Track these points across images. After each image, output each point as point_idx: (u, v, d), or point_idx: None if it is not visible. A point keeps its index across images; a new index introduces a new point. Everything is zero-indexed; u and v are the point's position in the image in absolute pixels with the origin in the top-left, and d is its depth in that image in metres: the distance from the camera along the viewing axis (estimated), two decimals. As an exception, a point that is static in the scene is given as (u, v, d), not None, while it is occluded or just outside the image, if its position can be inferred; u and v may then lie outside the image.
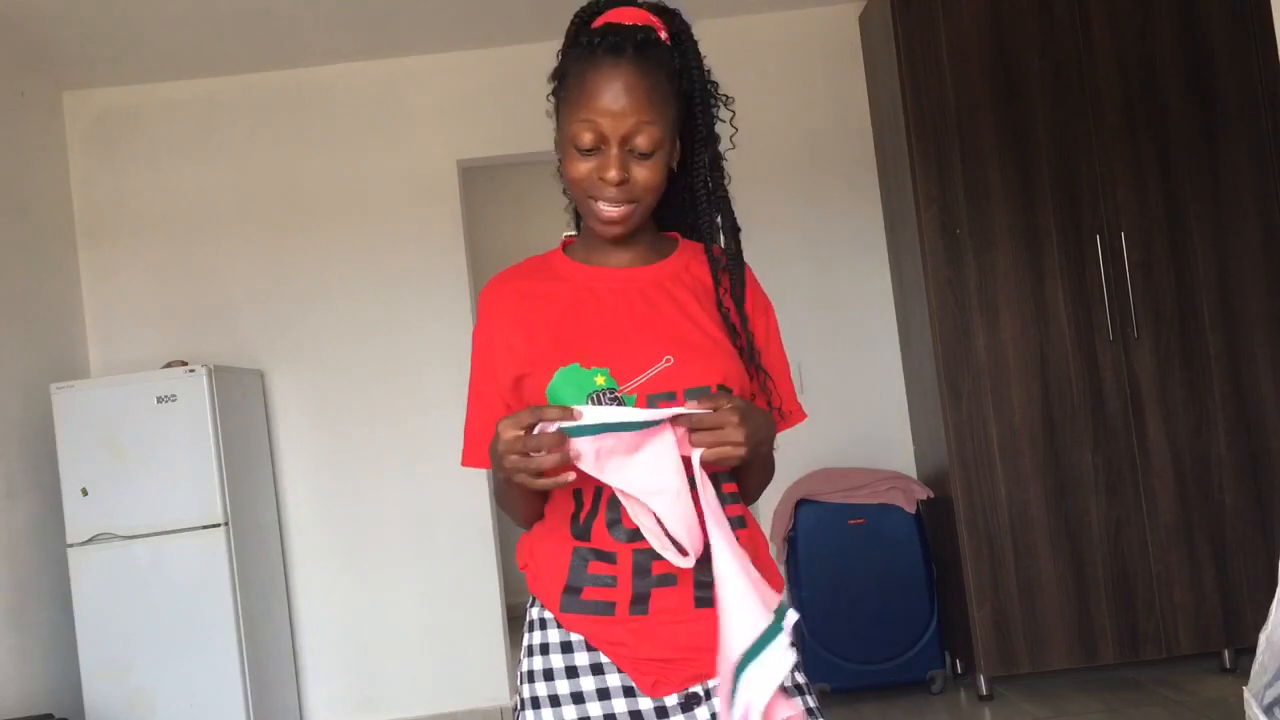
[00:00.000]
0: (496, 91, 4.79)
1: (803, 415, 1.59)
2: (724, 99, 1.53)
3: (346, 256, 4.85)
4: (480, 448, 1.52)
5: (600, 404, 1.40)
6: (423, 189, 4.89)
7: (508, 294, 1.54)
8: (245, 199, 4.87)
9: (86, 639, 4.08)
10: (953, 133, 4.15)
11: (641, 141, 1.42)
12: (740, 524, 1.47)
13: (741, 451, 1.34)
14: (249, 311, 4.84)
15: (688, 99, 1.48)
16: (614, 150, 1.42)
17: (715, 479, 1.42)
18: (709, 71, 1.50)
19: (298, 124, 4.89)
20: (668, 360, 1.43)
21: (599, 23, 1.46)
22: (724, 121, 1.52)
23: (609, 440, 1.32)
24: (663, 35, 1.46)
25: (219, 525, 4.12)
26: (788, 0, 4.80)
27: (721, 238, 1.53)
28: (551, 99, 1.51)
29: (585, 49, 1.44)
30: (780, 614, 1.34)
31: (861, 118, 4.84)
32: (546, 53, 1.55)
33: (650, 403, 1.42)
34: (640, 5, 1.48)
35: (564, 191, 1.55)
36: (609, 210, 1.45)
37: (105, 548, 4.08)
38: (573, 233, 1.61)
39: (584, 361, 1.42)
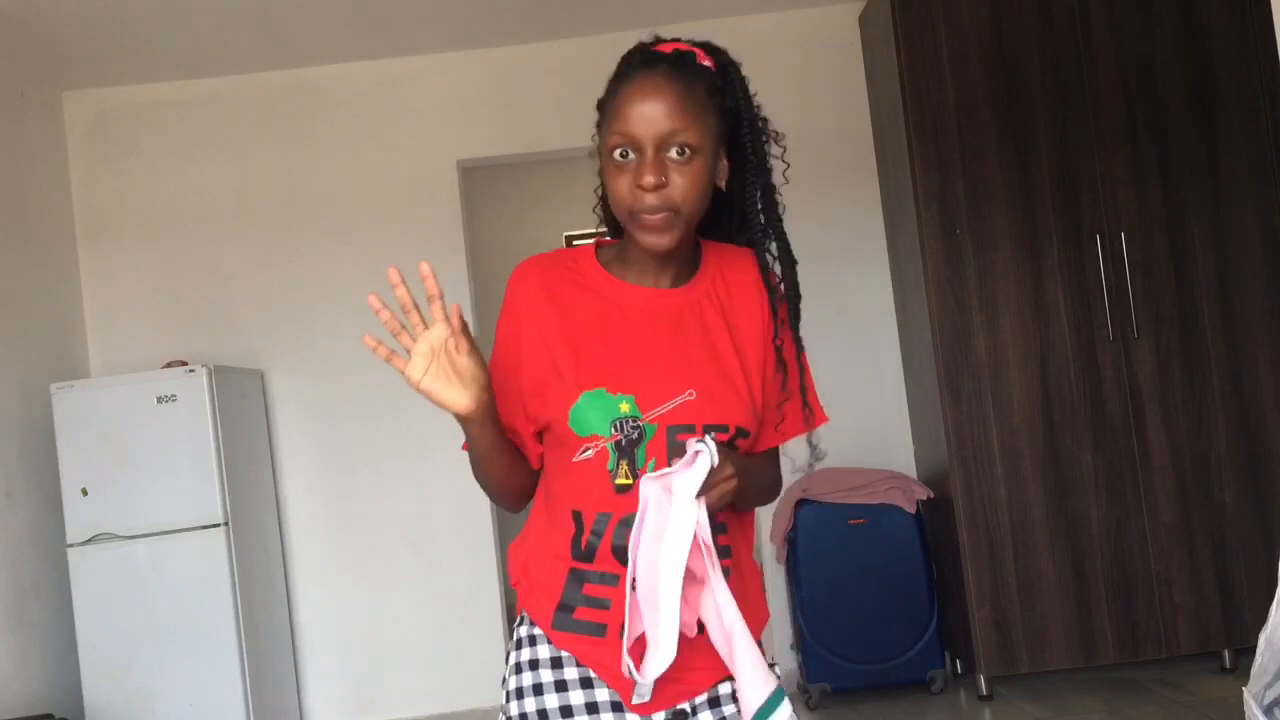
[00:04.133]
0: (496, 91, 4.77)
1: (823, 418, 1.59)
2: (775, 134, 1.53)
3: (346, 256, 4.84)
4: None
5: (623, 431, 1.41)
6: (423, 189, 4.88)
7: (542, 287, 1.51)
8: (245, 199, 4.87)
9: (86, 639, 4.08)
10: (953, 133, 4.15)
11: (675, 146, 1.40)
12: (725, 553, 1.47)
13: (733, 484, 1.39)
14: (249, 311, 4.84)
15: (734, 119, 1.47)
16: (649, 155, 1.40)
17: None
18: (759, 108, 1.50)
19: (298, 124, 4.88)
20: (690, 394, 1.44)
21: None
22: (776, 157, 1.53)
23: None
24: (705, 62, 1.46)
25: (219, 525, 4.12)
26: (788, 0, 4.80)
27: (778, 267, 1.53)
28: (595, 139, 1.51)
29: (622, 71, 1.45)
30: (778, 695, 1.39)
31: (861, 118, 4.84)
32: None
33: (670, 434, 1.42)
34: (685, 41, 1.48)
35: (595, 209, 1.57)
36: (649, 218, 1.41)
37: (105, 548, 4.08)
38: (607, 235, 1.59)
39: (610, 386, 1.43)
